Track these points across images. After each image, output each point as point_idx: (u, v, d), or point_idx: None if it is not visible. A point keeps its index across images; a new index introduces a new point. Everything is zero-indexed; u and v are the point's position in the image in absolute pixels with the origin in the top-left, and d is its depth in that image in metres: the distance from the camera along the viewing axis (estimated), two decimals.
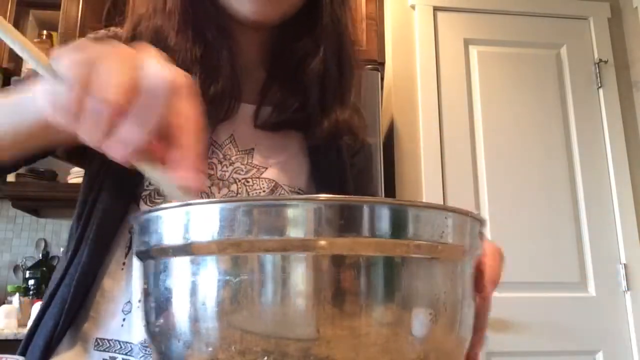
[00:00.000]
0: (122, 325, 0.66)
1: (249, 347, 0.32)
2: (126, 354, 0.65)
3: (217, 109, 0.69)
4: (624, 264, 2.33)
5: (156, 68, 0.38)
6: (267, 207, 0.32)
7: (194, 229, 0.34)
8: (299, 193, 0.74)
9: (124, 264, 0.68)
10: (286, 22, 0.73)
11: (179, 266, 0.35)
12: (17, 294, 2.41)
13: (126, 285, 0.67)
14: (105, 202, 0.67)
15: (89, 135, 0.37)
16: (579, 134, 2.45)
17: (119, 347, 0.65)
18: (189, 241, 0.34)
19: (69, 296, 0.65)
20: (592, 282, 2.30)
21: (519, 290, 2.20)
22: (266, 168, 0.72)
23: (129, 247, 0.68)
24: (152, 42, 0.66)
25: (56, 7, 2.45)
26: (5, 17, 2.54)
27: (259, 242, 0.32)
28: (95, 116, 0.36)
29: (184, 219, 0.34)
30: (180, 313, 0.34)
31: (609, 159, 2.44)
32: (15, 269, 2.70)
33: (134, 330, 0.66)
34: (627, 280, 2.31)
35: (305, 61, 0.73)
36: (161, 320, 0.36)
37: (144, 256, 0.38)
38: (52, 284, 0.69)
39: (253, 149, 0.73)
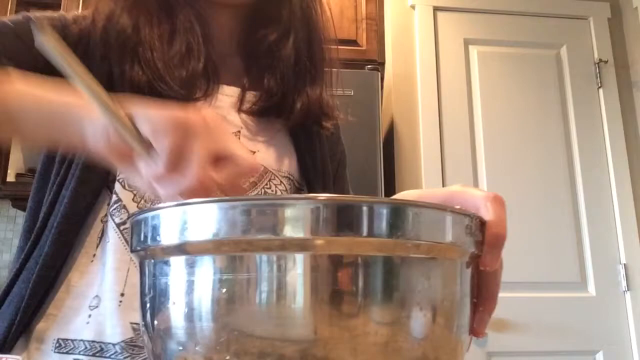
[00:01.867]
0: (87, 323, 0.60)
1: (246, 348, 0.32)
2: (94, 355, 0.59)
3: (190, 90, 0.67)
4: (624, 264, 2.32)
5: (242, 153, 0.44)
6: (265, 206, 0.32)
7: (191, 228, 0.33)
8: (289, 179, 0.74)
9: (94, 255, 0.63)
10: (258, 7, 0.74)
11: (175, 266, 0.35)
12: None
13: (95, 279, 0.62)
14: (72, 188, 0.62)
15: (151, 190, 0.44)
16: (579, 134, 2.45)
17: (83, 347, 0.59)
18: (185, 240, 0.33)
19: (26, 292, 0.59)
20: (592, 282, 2.30)
21: (519, 290, 2.20)
22: (254, 153, 0.72)
23: (101, 238, 0.63)
24: (106, 26, 0.66)
25: (56, 7, 2.45)
26: (5, 17, 2.55)
27: (256, 241, 0.31)
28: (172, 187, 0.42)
29: (180, 218, 0.34)
30: (175, 313, 0.34)
31: (609, 159, 2.44)
32: None
33: (109, 329, 0.60)
34: (627, 280, 2.30)
35: (277, 46, 0.74)
36: (156, 321, 0.35)
37: (140, 255, 0.38)
38: (5, 283, 0.63)
39: (239, 131, 0.72)
